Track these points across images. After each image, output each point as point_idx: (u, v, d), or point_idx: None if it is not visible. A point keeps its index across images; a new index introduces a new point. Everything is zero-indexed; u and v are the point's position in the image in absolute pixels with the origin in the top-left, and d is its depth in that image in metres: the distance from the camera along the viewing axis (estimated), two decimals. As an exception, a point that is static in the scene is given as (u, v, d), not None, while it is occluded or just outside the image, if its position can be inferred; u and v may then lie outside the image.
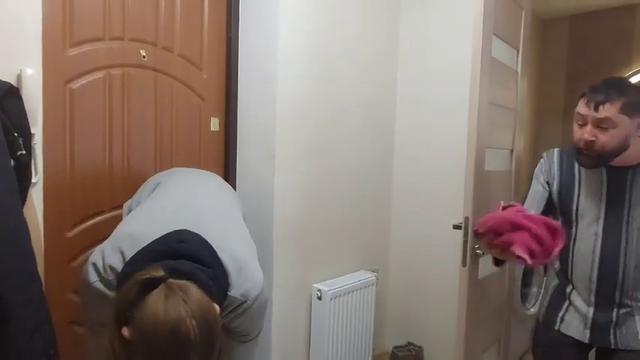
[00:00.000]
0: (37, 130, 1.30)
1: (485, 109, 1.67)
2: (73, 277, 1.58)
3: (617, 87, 1.23)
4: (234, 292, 1.10)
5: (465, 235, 1.64)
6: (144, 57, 1.75)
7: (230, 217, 1.35)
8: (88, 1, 1.58)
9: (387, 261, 2.62)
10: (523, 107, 2.08)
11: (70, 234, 1.60)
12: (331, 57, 2.13)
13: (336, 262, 2.27)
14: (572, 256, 1.41)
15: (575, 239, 1.40)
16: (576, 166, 1.38)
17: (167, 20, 1.82)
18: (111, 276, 1.06)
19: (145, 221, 1.20)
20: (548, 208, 1.46)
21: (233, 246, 1.17)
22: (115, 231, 1.18)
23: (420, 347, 2.47)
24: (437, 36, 2.39)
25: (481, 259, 1.75)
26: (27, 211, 1.17)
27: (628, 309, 1.34)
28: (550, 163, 1.46)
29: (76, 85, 1.57)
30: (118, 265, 1.05)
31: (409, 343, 2.50)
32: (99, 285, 1.06)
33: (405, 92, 2.51)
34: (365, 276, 2.31)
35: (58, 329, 1.23)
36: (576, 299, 1.43)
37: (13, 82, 1.23)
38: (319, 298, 2.08)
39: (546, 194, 1.46)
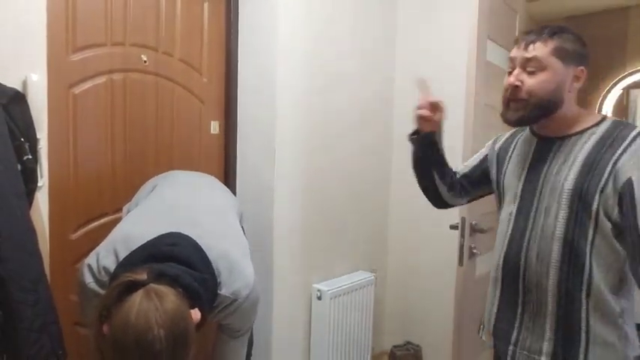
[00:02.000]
0: (42, 134, 1.32)
1: (481, 111, 1.70)
2: (76, 279, 1.61)
3: (554, 29, 1.06)
4: (225, 290, 1.13)
5: (462, 235, 1.67)
6: (145, 62, 1.77)
7: (223, 217, 1.39)
8: (91, 8, 1.61)
9: (386, 261, 2.64)
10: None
11: (73, 236, 1.62)
12: (330, 60, 2.16)
13: (336, 263, 2.30)
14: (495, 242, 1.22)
15: (498, 221, 1.22)
16: (516, 138, 1.21)
17: (168, 25, 1.84)
18: (105, 277, 1.09)
19: (139, 223, 1.23)
20: (484, 176, 1.29)
21: (225, 245, 1.20)
22: (111, 233, 1.21)
23: (418, 346, 2.50)
24: (433, 39, 2.42)
25: (478, 258, 1.79)
26: (33, 214, 1.20)
27: (532, 314, 1.08)
28: (497, 138, 1.30)
29: (78, 90, 1.60)
30: (112, 267, 1.08)
31: (408, 343, 2.53)
32: (94, 286, 1.10)
33: (402, 95, 2.54)
34: (364, 276, 2.33)
35: (63, 330, 1.26)
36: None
37: (19, 88, 1.26)
38: (319, 298, 2.11)
39: (481, 157, 1.31)
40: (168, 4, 1.84)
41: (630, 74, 3.22)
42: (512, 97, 1.07)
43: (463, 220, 1.67)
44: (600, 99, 3.32)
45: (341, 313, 2.17)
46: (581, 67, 1.07)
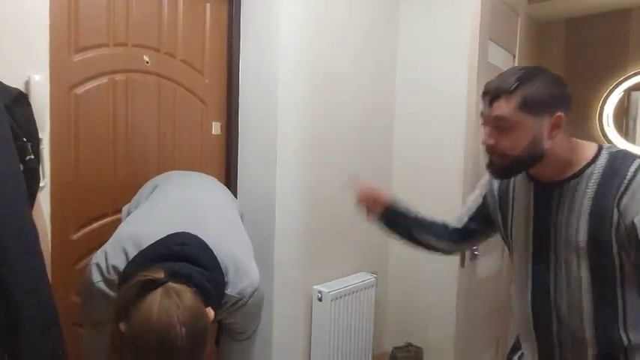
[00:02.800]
0: (44, 135, 1.32)
1: (483, 113, 1.70)
2: (77, 280, 1.60)
3: (519, 77, 0.95)
4: (231, 290, 1.14)
5: (464, 236, 1.66)
6: (147, 62, 1.78)
7: (227, 218, 1.39)
8: (93, 8, 1.61)
9: (387, 263, 2.64)
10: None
11: (74, 237, 1.62)
12: (331, 62, 2.16)
13: (337, 264, 2.30)
14: (513, 292, 1.17)
15: (514, 269, 1.17)
16: (512, 182, 1.13)
17: (170, 26, 1.85)
18: (114, 276, 1.09)
19: (146, 222, 1.23)
20: (485, 218, 1.23)
21: (230, 246, 1.20)
22: (117, 232, 1.21)
23: (419, 348, 2.50)
24: (435, 41, 2.42)
25: (480, 260, 1.79)
26: (35, 215, 1.19)
27: None
28: (490, 180, 1.21)
29: (80, 90, 1.60)
30: (121, 266, 1.08)
31: (408, 344, 2.52)
32: (101, 285, 1.10)
33: (403, 98, 2.54)
34: (365, 277, 2.33)
35: (63, 331, 1.25)
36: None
37: (22, 88, 1.26)
38: (320, 299, 2.11)
39: (479, 202, 1.25)
40: (170, 5, 1.84)
41: (631, 76, 3.21)
42: (490, 154, 1.01)
43: (465, 221, 1.67)
44: (601, 102, 3.32)
45: (342, 314, 2.16)
46: (558, 113, 0.96)
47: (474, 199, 1.27)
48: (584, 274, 0.99)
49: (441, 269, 2.39)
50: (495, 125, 0.97)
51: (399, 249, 2.62)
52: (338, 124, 2.23)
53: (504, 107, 0.95)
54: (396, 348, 2.51)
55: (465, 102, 1.66)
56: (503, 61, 1.94)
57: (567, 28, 3.46)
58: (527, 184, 1.09)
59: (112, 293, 1.09)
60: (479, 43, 1.62)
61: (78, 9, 1.57)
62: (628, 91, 3.29)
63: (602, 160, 0.99)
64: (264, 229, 2.00)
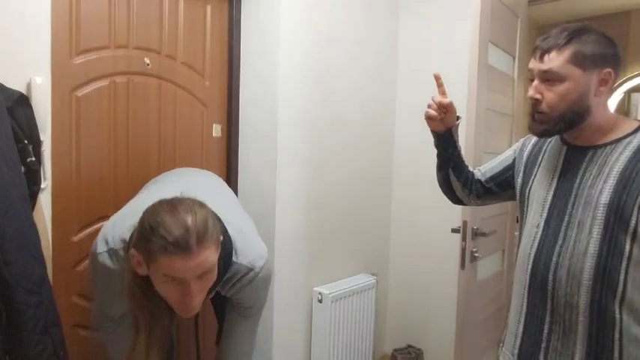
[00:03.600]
0: (45, 137, 1.33)
1: (483, 115, 1.71)
2: (78, 281, 1.61)
3: (571, 33, 0.98)
4: (241, 259, 1.14)
5: (464, 238, 1.67)
6: (148, 65, 1.78)
7: (233, 200, 1.45)
8: (94, 11, 1.62)
9: (387, 264, 2.65)
10: (520, 112, 2.12)
11: (75, 238, 1.63)
12: (332, 65, 2.17)
13: (337, 266, 2.30)
14: (515, 255, 1.17)
15: (522, 233, 1.15)
16: (546, 145, 1.15)
17: (171, 29, 1.85)
18: (119, 245, 1.09)
19: (154, 198, 1.24)
20: (506, 182, 1.25)
21: (237, 222, 1.22)
22: (124, 208, 1.25)
23: (419, 350, 2.50)
24: (435, 43, 2.43)
25: (480, 262, 1.79)
26: (36, 216, 1.20)
27: (560, 334, 1.02)
28: (525, 143, 1.23)
29: (81, 92, 1.61)
30: (128, 235, 1.08)
31: (409, 346, 2.52)
32: (104, 256, 1.10)
33: (404, 100, 2.55)
34: (365, 279, 2.34)
35: (64, 332, 1.26)
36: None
37: (23, 91, 1.26)
38: (320, 301, 2.11)
39: (508, 163, 1.26)
40: (171, 7, 1.84)
41: (631, 78, 3.22)
42: (534, 110, 1.02)
43: (465, 223, 1.67)
44: (601, 103, 3.32)
45: (342, 316, 2.17)
46: (608, 70, 0.98)
47: (504, 158, 1.28)
48: (594, 238, 0.97)
49: (442, 271, 2.39)
50: (544, 79, 0.99)
51: (399, 250, 2.63)
52: (339, 125, 2.24)
53: (555, 60, 0.97)
54: (396, 350, 2.51)
55: (465, 104, 1.66)
56: (504, 63, 1.95)
57: (567, 30, 3.46)
58: (559, 148, 1.10)
59: (112, 266, 1.09)
60: (479, 45, 1.62)
61: (79, 11, 1.58)
62: (628, 93, 3.31)
63: None
64: (264, 231, 2.00)
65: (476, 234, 1.72)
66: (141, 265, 0.97)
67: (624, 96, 3.32)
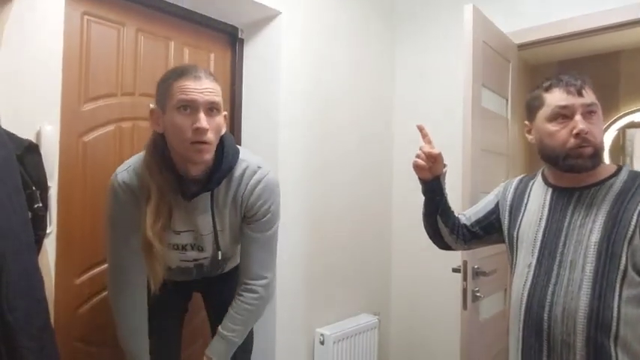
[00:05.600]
0: (52, 182, 1.36)
1: (478, 156, 1.75)
2: (79, 325, 1.61)
3: (576, 72, 1.09)
4: (249, 160, 1.27)
5: (464, 278, 1.68)
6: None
7: None
8: (104, 60, 1.69)
9: (389, 304, 2.62)
10: (515, 152, 2.17)
11: (77, 281, 1.63)
12: (331, 100, 2.24)
13: (338, 306, 2.29)
14: (509, 296, 1.20)
15: (513, 273, 1.18)
16: (529, 188, 1.21)
17: (176, 75, 1.92)
18: (136, 163, 1.28)
19: None
20: (490, 226, 1.29)
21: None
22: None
23: (424, 392, 2.44)
24: (430, 86, 2.50)
25: (482, 302, 1.78)
26: (41, 261, 1.22)
27: None
28: (507, 186, 1.29)
29: (88, 138, 1.66)
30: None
31: (413, 388, 2.47)
32: (123, 174, 1.26)
33: (401, 136, 2.61)
34: (367, 319, 2.31)
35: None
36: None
37: (33, 138, 1.31)
38: (322, 342, 2.08)
39: (491, 207, 1.30)
40: (176, 55, 1.93)
41: (624, 115, 3.29)
42: (584, 143, 1.03)
43: (465, 263, 1.68)
44: (596, 139, 3.37)
45: (344, 357, 2.13)
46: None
47: (487, 202, 1.32)
48: (587, 277, 1.00)
49: (444, 310, 2.37)
50: (588, 112, 1.05)
51: (400, 290, 2.61)
52: (338, 166, 2.28)
53: (592, 95, 1.06)
54: (400, 392, 2.45)
55: (460, 146, 1.70)
56: (497, 104, 2.01)
57: (559, 70, 3.56)
58: (544, 190, 1.15)
59: (130, 181, 1.24)
60: (472, 89, 1.68)
61: (89, 61, 1.65)
62: (623, 129, 3.37)
63: (623, 175, 1.06)
64: (265, 271, 2.00)
65: (476, 273, 1.73)
66: (159, 119, 1.16)
67: (619, 132, 3.38)
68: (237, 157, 1.25)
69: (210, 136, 1.12)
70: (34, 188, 1.23)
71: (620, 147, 3.41)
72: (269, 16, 2.04)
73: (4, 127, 1.16)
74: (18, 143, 1.23)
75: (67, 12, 1.47)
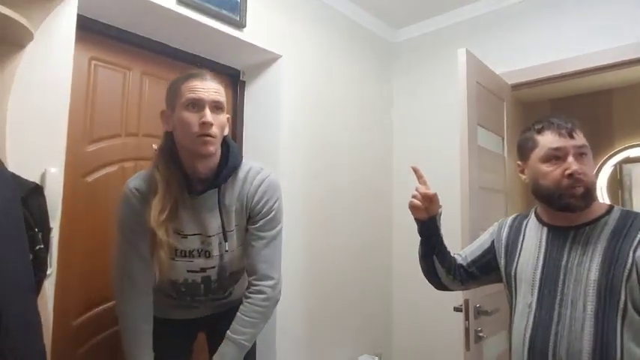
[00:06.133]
0: (55, 223, 1.37)
1: (476, 194, 1.76)
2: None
3: (564, 115, 1.14)
4: (252, 164, 1.35)
5: (466, 317, 1.65)
6: (155, 150, 1.87)
7: None
8: (109, 103, 1.74)
9: (390, 344, 2.57)
10: (513, 189, 2.19)
11: (75, 323, 1.62)
12: (330, 145, 2.28)
13: (340, 347, 2.24)
14: (510, 334, 1.19)
15: (513, 313, 1.19)
16: (523, 227, 1.22)
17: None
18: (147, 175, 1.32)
19: None
20: (487, 265, 1.29)
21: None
22: None
23: None
24: (427, 125, 2.56)
25: (486, 342, 1.75)
26: (40, 302, 1.21)
27: None
28: (502, 226, 1.30)
29: (91, 178, 1.68)
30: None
31: None
32: (135, 181, 1.32)
33: (400, 179, 2.63)
34: (369, 360, 2.26)
35: None
36: None
37: (37, 180, 1.32)
38: (323, 385, 2.03)
39: (486, 246, 1.30)
40: (179, 97, 1.98)
41: (619, 151, 3.33)
42: (577, 183, 1.06)
43: (466, 302, 1.66)
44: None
45: (346, 401, 2.07)
46: None
47: (482, 242, 1.33)
48: (589, 315, 1.00)
49: (447, 350, 2.32)
50: (580, 153, 1.08)
51: (402, 330, 2.57)
52: (337, 210, 2.30)
53: (582, 137, 1.10)
54: None
55: (458, 184, 1.72)
56: (493, 142, 2.04)
57: (552, 107, 3.64)
58: (539, 229, 1.16)
59: (141, 187, 1.29)
60: (468, 128, 1.72)
61: (95, 103, 1.70)
62: (619, 165, 3.41)
63: (616, 214, 1.09)
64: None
65: (478, 312, 1.70)
66: (169, 119, 1.27)
67: (615, 168, 3.41)
68: (242, 159, 1.35)
69: (215, 131, 1.22)
70: (36, 230, 1.24)
71: (617, 182, 3.44)
72: (270, 59, 2.11)
73: (10, 169, 1.18)
74: (23, 185, 1.24)
75: (75, 57, 1.52)
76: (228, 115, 1.31)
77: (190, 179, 1.28)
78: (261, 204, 1.32)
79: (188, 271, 1.36)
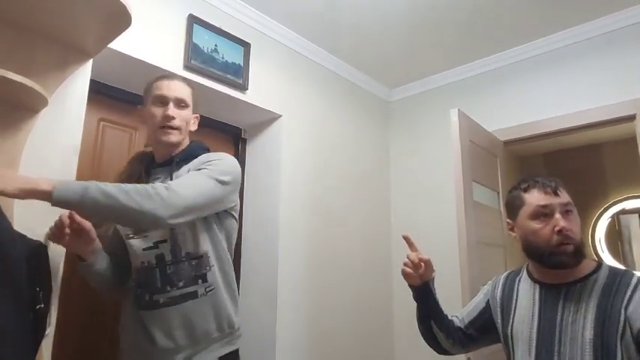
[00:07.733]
0: (56, 283, 1.37)
1: (475, 249, 1.78)
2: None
3: (547, 175, 1.19)
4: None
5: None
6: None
7: None
8: (116, 160, 1.79)
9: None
10: (511, 243, 2.20)
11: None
12: (329, 202, 2.32)
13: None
14: None
15: None
16: (516, 285, 1.23)
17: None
18: None
19: None
20: (485, 326, 1.29)
21: None
22: None
23: None
24: (424, 180, 2.61)
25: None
26: (37, 365, 1.20)
27: None
28: (495, 284, 1.30)
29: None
30: None
31: None
32: None
33: (398, 235, 2.61)
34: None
35: None
36: None
37: (42, 239, 1.34)
38: None
39: (482, 306, 1.30)
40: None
41: (615, 203, 3.37)
42: (566, 240, 1.07)
43: (469, 360, 1.64)
44: (590, 229, 3.42)
45: None
46: None
47: (477, 302, 1.32)
48: None
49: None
50: (566, 210, 1.11)
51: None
52: (337, 266, 2.30)
53: (566, 195, 1.13)
54: None
55: (456, 239, 1.75)
56: (489, 197, 2.09)
57: (545, 161, 3.72)
58: (531, 286, 1.17)
59: None
60: (463, 185, 1.77)
61: (101, 161, 1.75)
62: (616, 216, 3.43)
63: (605, 271, 1.10)
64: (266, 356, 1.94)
65: (482, 372, 1.67)
66: (141, 112, 1.42)
67: (612, 219, 3.43)
68: (204, 151, 1.44)
69: (177, 123, 1.37)
70: (37, 289, 1.25)
71: (616, 233, 3.45)
72: (270, 119, 2.19)
73: (16, 227, 1.20)
74: (28, 244, 1.26)
75: (85, 119, 1.58)
76: (197, 115, 1.47)
77: (152, 165, 1.44)
78: (205, 163, 1.35)
79: (143, 249, 1.34)
